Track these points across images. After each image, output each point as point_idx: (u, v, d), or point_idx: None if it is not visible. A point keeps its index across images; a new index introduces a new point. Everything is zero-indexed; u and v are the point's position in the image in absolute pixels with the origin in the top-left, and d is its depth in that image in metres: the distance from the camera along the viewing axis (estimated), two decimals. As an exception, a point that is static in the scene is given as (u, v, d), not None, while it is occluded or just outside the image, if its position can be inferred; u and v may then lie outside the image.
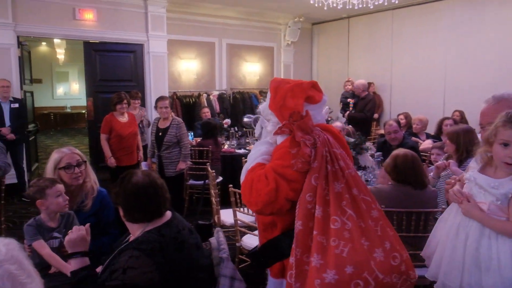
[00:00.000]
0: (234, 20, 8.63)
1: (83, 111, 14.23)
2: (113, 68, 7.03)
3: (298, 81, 1.83)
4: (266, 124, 1.88)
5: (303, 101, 1.75)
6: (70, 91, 14.73)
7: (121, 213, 1.80)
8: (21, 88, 6.36)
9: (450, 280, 1.74)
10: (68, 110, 14.39)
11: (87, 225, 1.98)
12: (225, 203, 4.01)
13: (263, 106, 1.92)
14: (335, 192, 1.62)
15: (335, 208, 1.59)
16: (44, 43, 13.09)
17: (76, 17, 6.56)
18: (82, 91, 14.48)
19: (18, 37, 6.21)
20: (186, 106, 7.84)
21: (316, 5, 5.81)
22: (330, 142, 1.71)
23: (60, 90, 14.61)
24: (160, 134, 4.80)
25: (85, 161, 2.56)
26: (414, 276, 1.63)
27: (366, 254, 1.54)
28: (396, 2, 5.25)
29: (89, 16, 6.66)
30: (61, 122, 14.11)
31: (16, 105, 5.99)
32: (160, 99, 4.83)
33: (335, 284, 1.49)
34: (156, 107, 4.90)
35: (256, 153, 1.85)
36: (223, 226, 3.66)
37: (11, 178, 5.49)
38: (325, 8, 5.84)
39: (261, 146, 1.86)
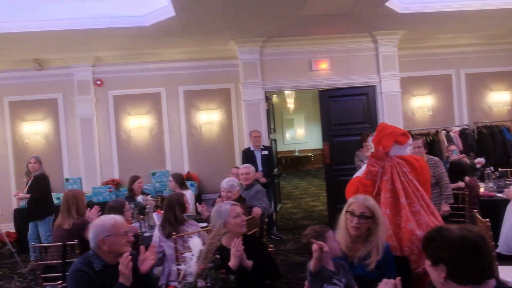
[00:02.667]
0: (473, 47, 7.71)
1: (310, 154, 15.22)
2: (347, 112, 7.15)
3: (395, 129, 2.94)
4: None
5: (392, 143, 2.84)
6: (296, 136, 16.06)
7: (441, 273, 1.53)
8: (269, 137, 7.12)
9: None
10: (296, 154, 15.60)
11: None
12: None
13: (370, 139, 3.24)
14: (411, 195, 2.74)
15: (413, 201, 2.73)
16: (275, 95, 14.74)
17: (312, 69, 7.04)
18: (307, 136, 15.65)
19: (265, 92, 7.06)
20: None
21: None
22: (401, 165, 2.82)
23: (287, 135, 16.09)
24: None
25: (372, 217, 2.40)
26: None
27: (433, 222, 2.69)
28: None
29: (323, 66, 7.05)
30: (291, 165, 15.36)
31: (266, 152, 6.71)
32: (413, 138, 4.61)
33: (420, 237, 2.43)
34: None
35: (359, 171, 3.35)
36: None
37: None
38: None
39: (363, 167, 3.14)
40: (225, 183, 4.43)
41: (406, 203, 2.70)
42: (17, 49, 6.52)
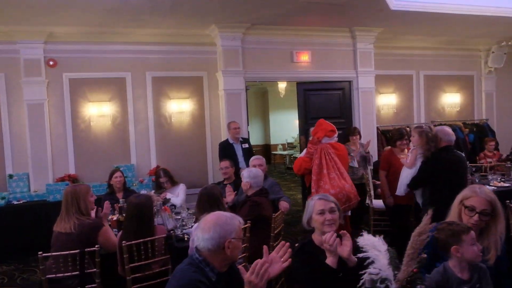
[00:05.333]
0: (431, 50, 8.23)
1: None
2: (323, 106, 7.12)
3: (327, 126, 4.34)
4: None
5: (323, 135, 4.29)
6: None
7: None
8: (247, 129, 6.78)
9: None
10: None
11: None
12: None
13: (311, 130, 4.61)
14: (330, 168, 4.20)
15: (331, 171, 4.17)
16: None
17: (294, 60, 6.88)
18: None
19: (245, 82, 6.71)
20: (388, 140, 7.54)
21: None
22: (327, 148, 4.27)
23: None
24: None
25: (492, 213, 2.26)
26: (354, 200, 4.18)
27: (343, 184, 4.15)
28: None
29: (304, 58, 6.92)
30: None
31: (246, 145, 6.35)
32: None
33: (334, 194, 3.83)
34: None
35: (302, 153, 4.70)
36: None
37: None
38: None
39: (305, 150, 4.55)
40: (246, 172, 4.02)
41: (326, 173, 4.13)
42: None
